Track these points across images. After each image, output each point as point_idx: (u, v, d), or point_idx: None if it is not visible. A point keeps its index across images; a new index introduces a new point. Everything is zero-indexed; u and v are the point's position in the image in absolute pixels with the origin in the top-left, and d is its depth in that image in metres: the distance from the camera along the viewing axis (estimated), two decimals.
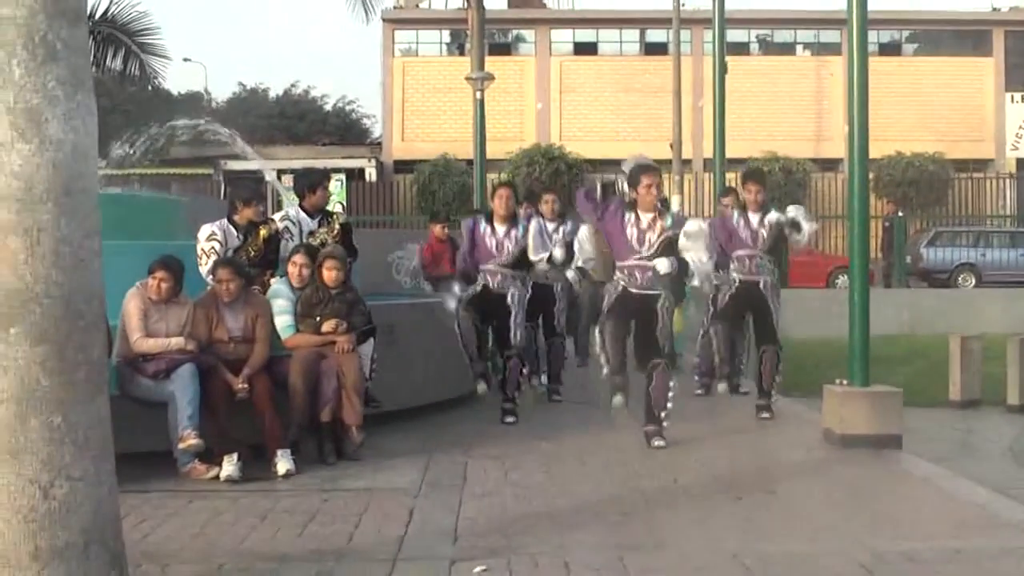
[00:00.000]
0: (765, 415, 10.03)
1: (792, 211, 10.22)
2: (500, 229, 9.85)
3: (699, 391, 11.49)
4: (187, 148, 32.77)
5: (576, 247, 9.24)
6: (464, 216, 10.18)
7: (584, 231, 9.11)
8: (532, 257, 9.78)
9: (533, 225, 9.96)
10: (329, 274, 8.19)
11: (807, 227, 10.05)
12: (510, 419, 9.77)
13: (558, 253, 9.65)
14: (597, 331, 8.85)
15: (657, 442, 8.53)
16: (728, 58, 15.16)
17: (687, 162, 35.78)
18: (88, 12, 4.35)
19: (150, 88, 23.24)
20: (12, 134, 4.11)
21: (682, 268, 8.52)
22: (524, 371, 10.09)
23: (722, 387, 11.27)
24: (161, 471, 7.33)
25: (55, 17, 4.18)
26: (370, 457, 7.99)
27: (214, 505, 6.71)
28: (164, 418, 7.44)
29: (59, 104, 4.18)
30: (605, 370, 8.72)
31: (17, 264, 4.11)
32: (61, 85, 4.18)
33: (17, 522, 4.10)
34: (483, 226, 9.91)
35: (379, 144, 43.50)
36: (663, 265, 8.44)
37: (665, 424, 8.60)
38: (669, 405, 8.57)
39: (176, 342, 7.64)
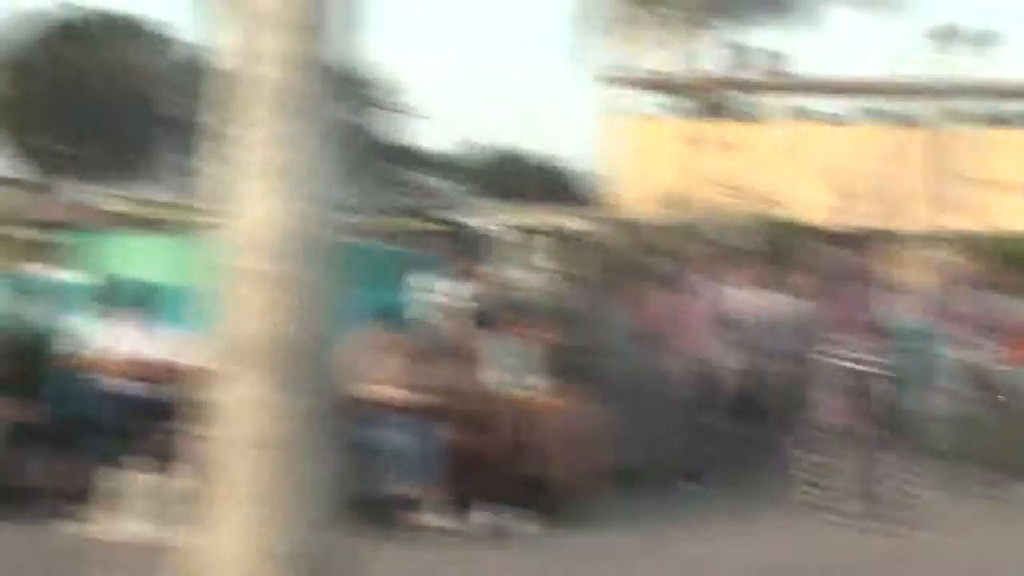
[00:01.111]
0: None
1: None
2: None
3: None
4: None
5: None
6: None
7: None
8: None
9: None
10: None
11: None
12: None
13: None
14: None
15: None
16: None
17: None
18: (339, 70, 4.51)
19: (400, 145, 23.89)
20: (262, 185, 4.28)
21: None
22: None
23: None
24: (386, 517, 7.37)
25: (306, 73, 4.33)
26: None
27: None
28: (386, 464, 7.53)
29: (307, 157, 4.32)
30: None
31: (269, 312, 4.27)
32: (309, 139, 4.33)
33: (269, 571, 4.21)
34: None
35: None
36: None
37: None
38: None
39: (402, 392, 7.77)
